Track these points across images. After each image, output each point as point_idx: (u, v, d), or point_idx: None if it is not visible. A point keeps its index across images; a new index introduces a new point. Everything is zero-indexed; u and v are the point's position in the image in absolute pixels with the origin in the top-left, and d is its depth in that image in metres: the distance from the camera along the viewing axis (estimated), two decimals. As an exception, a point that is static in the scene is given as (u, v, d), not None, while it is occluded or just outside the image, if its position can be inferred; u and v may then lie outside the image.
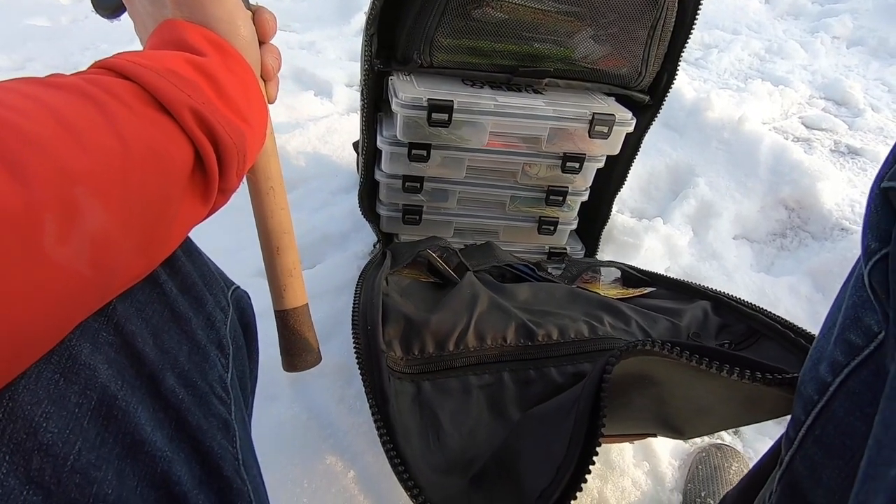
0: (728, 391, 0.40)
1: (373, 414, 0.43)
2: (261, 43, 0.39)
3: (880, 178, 0.27)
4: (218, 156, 0.29)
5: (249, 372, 0.38)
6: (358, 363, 0.47)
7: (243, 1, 0.38)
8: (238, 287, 0.37)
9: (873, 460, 0.23)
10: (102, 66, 0.28)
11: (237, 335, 0.35)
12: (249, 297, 0.39)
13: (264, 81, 0.40)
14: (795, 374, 0.36)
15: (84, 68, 0.28)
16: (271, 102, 0.41)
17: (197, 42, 0.32)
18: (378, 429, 0.42)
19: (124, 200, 0.23)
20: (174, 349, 0.29)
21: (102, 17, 0.43)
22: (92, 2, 0.43)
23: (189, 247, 0.33)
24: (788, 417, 0.37)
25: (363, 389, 0.46)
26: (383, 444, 0.41)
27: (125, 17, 0.42)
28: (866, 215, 0.28)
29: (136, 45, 0.36)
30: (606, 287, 0.72)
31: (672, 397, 0.44)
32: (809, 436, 0.33)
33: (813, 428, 0.33)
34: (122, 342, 0.26)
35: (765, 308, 0.56)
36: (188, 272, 0.31)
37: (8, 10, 1.85)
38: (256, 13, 0.39)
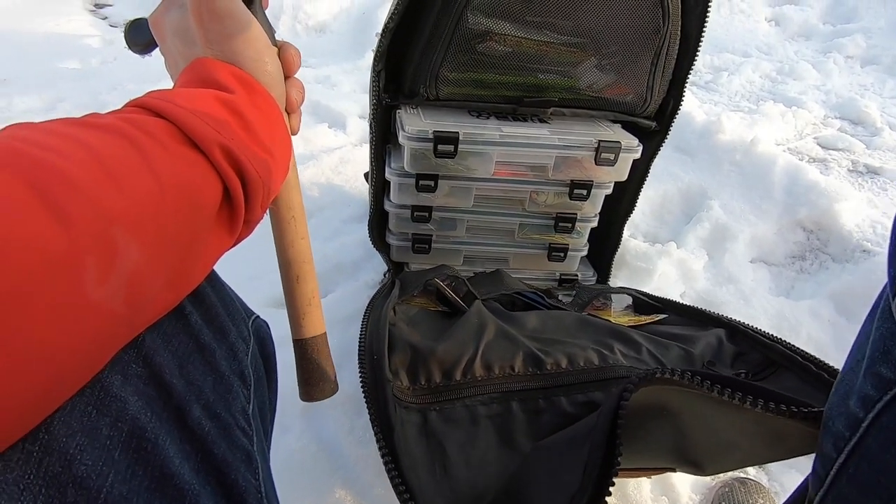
0: (750, 425, 0.39)
1: (378, 443, 0.43)
2: (286, 77, 0.40)
3: None
4: (245, 189, 0.30)
5: (269, 403, 0.38)
6: (363, 392, 0.47)
7: (270, 38, 0.39)
8: (258, 317, 0.38)
9: None
10: (136, 105, 0.28)
11: (258, 365, 0.35)
12: (269, 327, 0.39)
13: (288, 114, 0.41)
14: (821, 409, 0.35)
15: (112, 107, 0.29)
16: (294, 134, 0.42)
17: (225, 79, 0.33)
18: (383, 457, 0.42)
19: (157, 238, 0.24)
20: (199, 380, 0.29)
21: (134, 52, 0.45)
22: (125, 38, 0.45)
23: (212, 276, 0.33)
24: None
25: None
26: (388, 472, 0.41)
27: (156, 52, 0.44)
28: (891, 244, 0.28)
29: (162, 85, 0.38)
30: (618, 314, 0.71)
31: (692, 430, 0.43)
32: (843, 474, 0.32)
33: (846, 465, 0.31)
34: (150, 374, 0.26)
35: (785, 334, 0.55)
36: (212, 302, 0.32)
37: (40, 54, 1.95)
38: (282, 49, 0.40)
